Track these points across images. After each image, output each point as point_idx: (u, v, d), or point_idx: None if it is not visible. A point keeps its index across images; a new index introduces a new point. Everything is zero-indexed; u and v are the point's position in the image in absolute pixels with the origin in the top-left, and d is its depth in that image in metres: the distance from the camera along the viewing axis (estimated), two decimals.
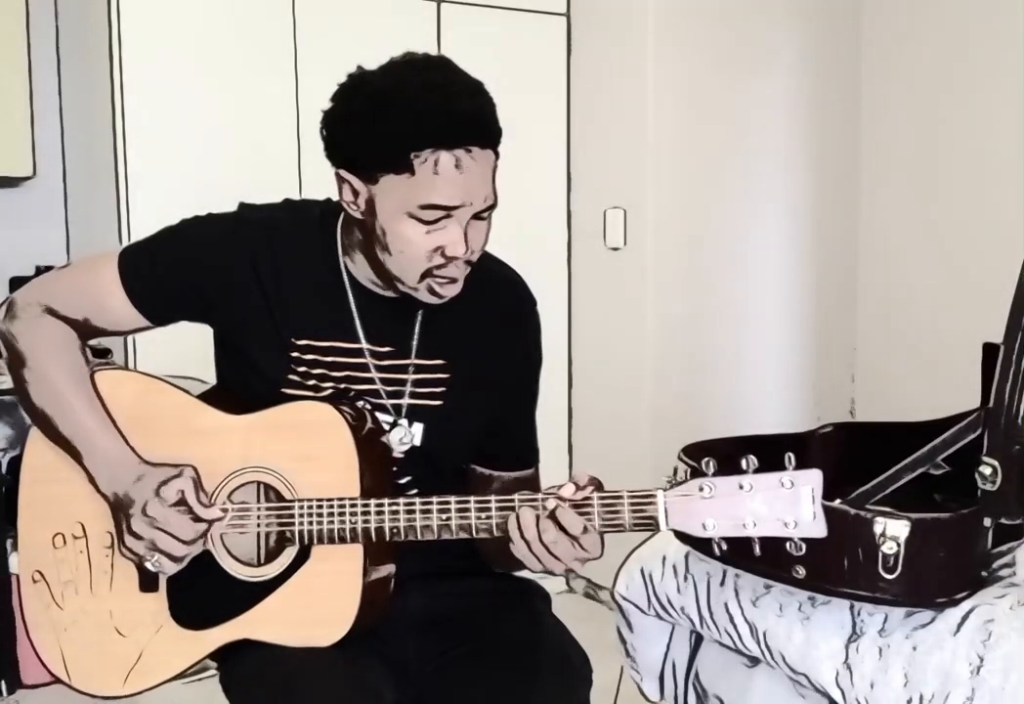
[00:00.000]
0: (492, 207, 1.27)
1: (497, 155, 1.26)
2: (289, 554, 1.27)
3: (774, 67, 3.28)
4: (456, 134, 1.21)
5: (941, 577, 1.32)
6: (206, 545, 1.27)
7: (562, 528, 1.16)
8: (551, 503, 1.17)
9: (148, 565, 1.27)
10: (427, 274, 1.27)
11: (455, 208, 1.23)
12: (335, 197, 1.39)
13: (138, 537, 1.26)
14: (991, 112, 3.02)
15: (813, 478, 1.11)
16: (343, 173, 1.27)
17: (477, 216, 1.26)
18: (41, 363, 1.34)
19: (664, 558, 1.62)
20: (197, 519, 1.25)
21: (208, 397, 1.35)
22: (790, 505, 1.11)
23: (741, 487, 1.11)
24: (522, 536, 1.18)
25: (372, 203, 1.25)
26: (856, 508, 1.32)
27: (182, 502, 1.25)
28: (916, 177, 3.27)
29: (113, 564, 1.32)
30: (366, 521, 1.23)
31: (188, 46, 2.76)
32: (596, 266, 3.31)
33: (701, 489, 1.13)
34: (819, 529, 1.11)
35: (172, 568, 1.28)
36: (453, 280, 1.29)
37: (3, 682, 2.64)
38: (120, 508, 1.27)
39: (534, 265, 1.57)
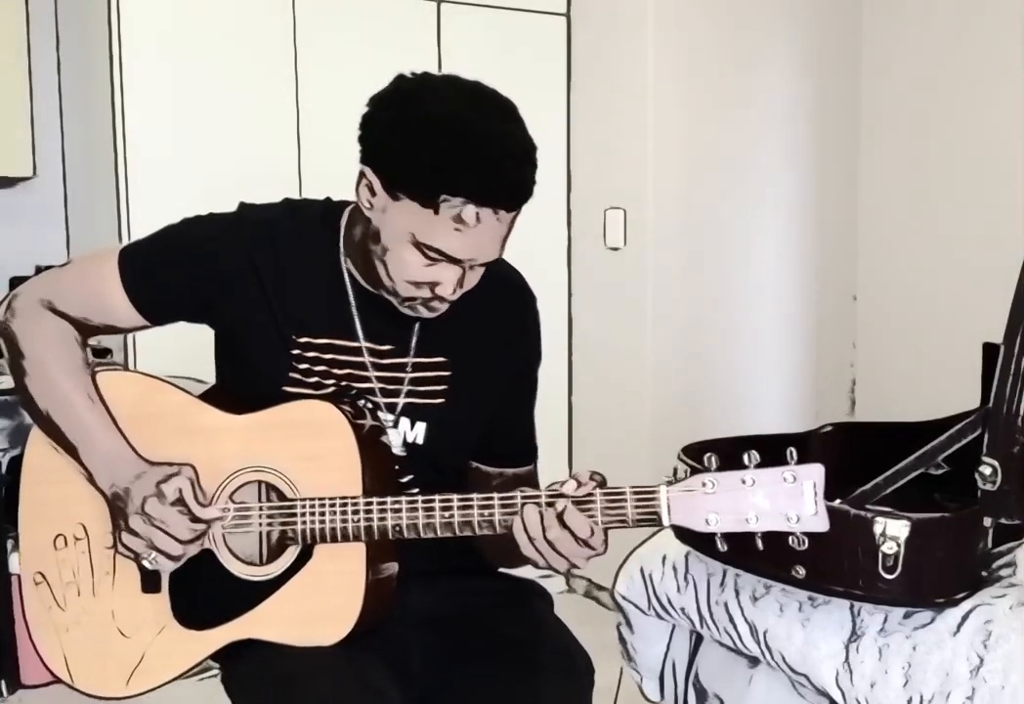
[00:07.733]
0: (494, 261, 1.28)
1: (519, 213, 1.25)
2: (292, 553, 1.27)
3: (774, 67, 3.28)
4: (493, 196, 1.20)
5: (941, 577, 1.32)
6: (207, 545, 1.27)
7: (568, 529, 1.16)
8: (559, 504, 1.16)
9: (145, 563, 1.27)
10: (411, 299, 1.29)
11: (458, 261, 1.24)
12: (335, 197, 1.39)
13: (136, 535, 1.26)
14: (992, 109, 3.02)
15: (815, 472, 1.11)
16: (368, 172, 1.25)
17: (477, 265, 1.27)
18: (41, 360, 1.34)
19: (664, 558, 1.62)
20: (195, 519, 1.25)
21: (208, 397, 1.35)
22: (792, 499, 1.11)
23: (743, 482, 1.11)
24: (526, 534, 1.18)
25: (385, 211, 1.24)
26: (856, 508, 1.32)
27: (180, 501, 1.25)
28: (916, 176, 3.27)
29: (115, 565, 1.32)
30: (368, 520, 1.23)
31: (188, 46, 2.76)
32: (596, 266, 3.31)
33: (704, 484, 1.13)
34: (821, 523, 1.11)
35: (170, 566, 1.28)
36: (435, 309, 1.30)
37: (3, 682, 2.64)
38: (118, 505, 1.27)
39: (534, 265, 1.57)
